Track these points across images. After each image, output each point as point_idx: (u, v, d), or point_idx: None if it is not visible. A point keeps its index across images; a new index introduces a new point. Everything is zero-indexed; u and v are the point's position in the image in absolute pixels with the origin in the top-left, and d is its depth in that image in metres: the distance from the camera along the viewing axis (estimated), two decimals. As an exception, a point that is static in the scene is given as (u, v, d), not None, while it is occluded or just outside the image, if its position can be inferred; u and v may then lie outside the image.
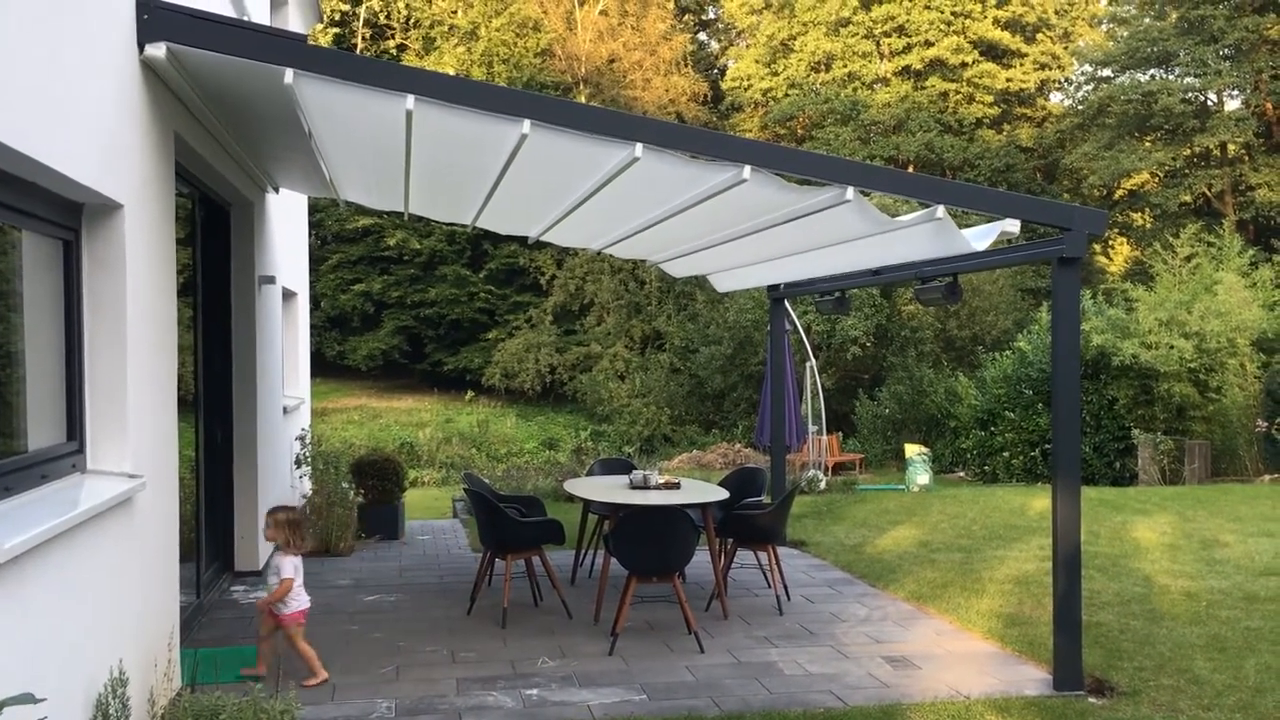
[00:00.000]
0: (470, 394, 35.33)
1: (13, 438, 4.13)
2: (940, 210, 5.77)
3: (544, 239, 9.25)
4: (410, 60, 38.10)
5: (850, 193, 5.65)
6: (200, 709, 4.68)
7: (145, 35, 4.95)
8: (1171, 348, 17.88)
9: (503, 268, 36.25)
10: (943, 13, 37.88)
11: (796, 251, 7.98)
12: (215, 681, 5.99)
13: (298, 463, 11.18)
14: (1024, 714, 5.66)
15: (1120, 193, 36.77)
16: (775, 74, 40.60)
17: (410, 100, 5.08)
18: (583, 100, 36.33)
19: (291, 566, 6.12)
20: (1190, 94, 32.46)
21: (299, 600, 6.19)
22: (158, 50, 4.95)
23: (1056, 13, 40.15)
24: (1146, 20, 34.15)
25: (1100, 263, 38.06)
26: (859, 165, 5.91)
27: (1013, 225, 5.92)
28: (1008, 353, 21.89)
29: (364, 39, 40.27)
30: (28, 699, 2.22)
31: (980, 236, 6.16)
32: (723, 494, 8.00)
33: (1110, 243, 38.42)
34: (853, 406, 26.69)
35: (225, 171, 7.37)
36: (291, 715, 4.76)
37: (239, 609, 7.93)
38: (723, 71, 45.94)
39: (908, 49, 38.65)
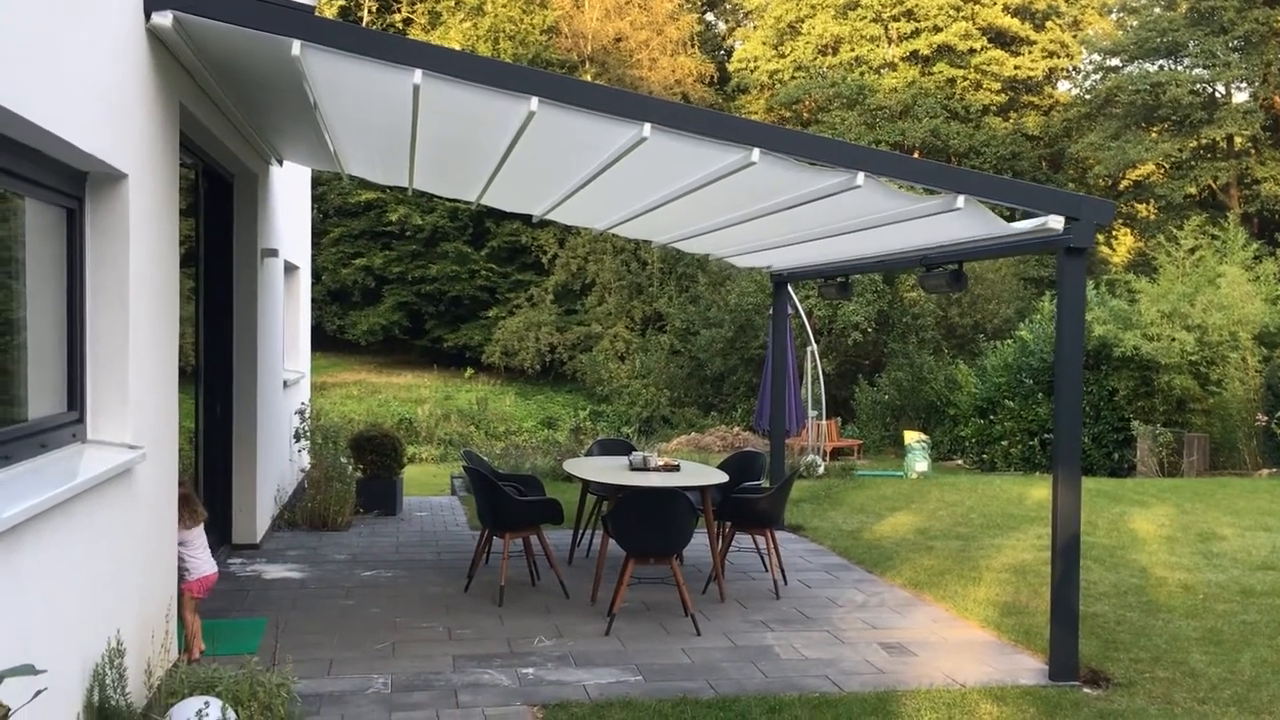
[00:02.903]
0: (470, 371, 35.31)
1: (13, 406, 4.11)
2: (961, 200, 5.73)
3: (548, 217, 9.21)
4: (416, 34, 37.90)
5: (860, 178, 5.61)
6: (197, 680, 4.68)
7: (152, 3, 4.89)
8: (1173, 340, 17.85)
9: (504, 246, 36.16)
10: (952, -2, 37.71)
11: (814, 237, 7.93)
12: (212, 653, 6.00)
13: (297, 437, 11.18)
14: (1019, 703, 5.67)
15: (1125, 183, 36.67)
16: (782, 56, 40.40)
17: (418, 75, 5.04)
18: (588, 79, 36.17)
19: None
20: (1198, 85, 32.34)
21: (196, 567, 5.89)
22: (164, 19, 4.90)
23: (1066, 0, 39.94)
24: (1156, 10, 34.00)
25: (1104, 253, 37.99)
26: (869, 151, 5.87)
27: (1056, 222, 5.87)
28: (1009, 341, 21.87)
29: (370, 12, 40.05)
30: (28, 670, 2.21)
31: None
32: (722, 477, 8.00)
33: (1114, 233, 38.34)
34: (852, 392, 26.69)
35: (229, 143, 7.33)
36: (287, 688, 4.77)
37: (237, 581, 7.93)
38: (729, 53, 45.74)
39: (916, 34, 38.45)
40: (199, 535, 5.96)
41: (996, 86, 38.34)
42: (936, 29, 37.88)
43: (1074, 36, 39.82)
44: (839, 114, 37.29)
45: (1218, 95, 33.38)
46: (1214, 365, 18.11)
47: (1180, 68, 33.17)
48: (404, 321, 37.15)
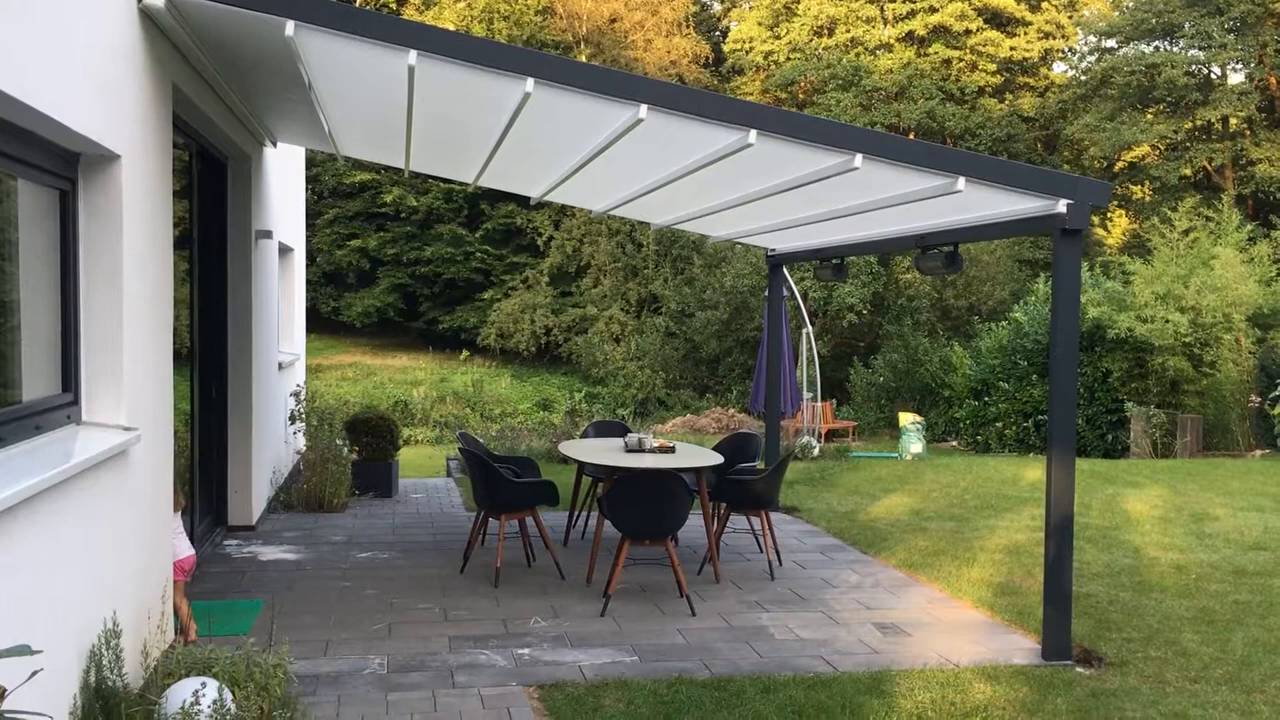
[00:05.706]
0: (465, 353, 35.31)
1: (7, 388, 4.11)
2: (961, 182, 5.73)
3: (546, 199, 9.19)
4: (410, 15, 37.68)
5: (858, 159, 5.60)
6: (193, 661, 4.69)
7: (144, -17, 4.87)
8: (1167, 321, 17.87)
9: (500, 228, 36.09)
10: (948, -22, 37.54)
11: (812, 219, 7.92)
12: (208, 634, 6.02)
13: (292, 419, 11.18)
14: (1012, 682, 5.70)
15: (1120, 165, 36.63)
16: (778, 37, 40.25)
17: (413, 56, 5.02)
18: (583, 60, 36.01)
19: None
20: (1194, 67, 32.26)
21: (174, 552, 5.84)
22: (156, -1, 4.88)
23: (1062, -18, 39.82)
24: (1153, -9, 33.86)
25: (1098, 235, 37.98)
26: (868, 132, 5.84)
27: (1063, 205, 5.87)
28: (1003, 323, 21.89)
29: (363, -8, 39.81)
30: (23, 651, 2.21)
31: None
32: (717, 459, 8.01)
33: (1109, 215, 38.33)
34: (847, 374, 26.72)
35: (223, 124, 7.30)
36: (284, 669, 4.78)
37: (232, 563, 7.95)
38: (725, 33, 45.54)
39: (911, 14, 38.31)
40: (176, 520, 5.96)
41: (992, 68, 38.23)
42: (932, 10, 37.73)
43: (1070, 18, 39.69)
44: (834, 95, 37.17)
45: (1213, 76, 33.32)
46: (1207, 347, 18.15)
47: (1176, 49, 33.07)
48: (399, 303, 37.11)
